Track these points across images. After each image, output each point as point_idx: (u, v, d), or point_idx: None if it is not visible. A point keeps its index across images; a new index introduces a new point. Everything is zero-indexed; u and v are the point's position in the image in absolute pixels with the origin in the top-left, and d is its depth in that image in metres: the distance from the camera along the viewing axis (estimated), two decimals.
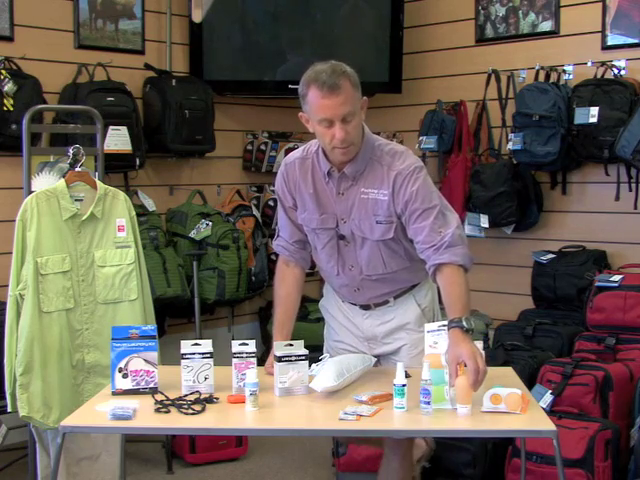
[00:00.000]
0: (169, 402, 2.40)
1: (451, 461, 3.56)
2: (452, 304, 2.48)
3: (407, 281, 2.72)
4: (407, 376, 2.36)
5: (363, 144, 2.55)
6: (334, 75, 2.40)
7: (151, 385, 2.52)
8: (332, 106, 2.40)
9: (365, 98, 2.53)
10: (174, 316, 4.64)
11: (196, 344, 2.52)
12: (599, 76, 4.23)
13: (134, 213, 3.21)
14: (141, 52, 4.69)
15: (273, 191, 5.17)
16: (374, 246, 2.60)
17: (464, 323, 2.37)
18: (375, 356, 2.74)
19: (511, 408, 2.26)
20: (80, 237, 3.08)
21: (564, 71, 4.38)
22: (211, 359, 2.50)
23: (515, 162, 4.45)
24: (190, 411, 2.33)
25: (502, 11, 4.70)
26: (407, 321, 2.73)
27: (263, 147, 5.17)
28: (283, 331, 2.70)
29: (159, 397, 2.44)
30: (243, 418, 2.32)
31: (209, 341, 2.54)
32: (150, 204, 4.50)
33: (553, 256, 4.37)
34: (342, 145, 2.46)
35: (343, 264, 2.66)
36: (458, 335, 2.35)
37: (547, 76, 4.41)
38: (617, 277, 3.87)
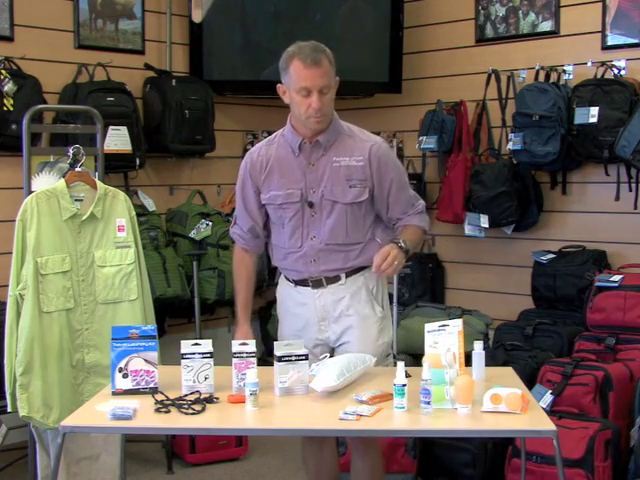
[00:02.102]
0: (169, 402, 2.40)
1: (451, 461, 3.56)
2: (403, 234, 2.77)
3: (360, 260, 2.80)
4: (407, 376, 2.36)
5: (333, 119, 2.78)
6: (316, 51, 2.67)
7: (151, 385, 2.52)
8: (313, 77, 2.64)
9: (337, 78, 2.75)
10: (174, 316, 4.64)
11: (196, 344, 2.52)
12: (599, 76, 4.23)
13: (134, 213, 3.21)
14: (141, 52, 4.70)
15: None
16: (342, 212, 2.75)
17: (401, 242, 2.68)
18: (327, 345, 2.83)
19: (511, 408, 2.26)
20: (80, 237, 3.08)
21: (564, 71, 4.38)
22: (211, 359, 2.50)
23: (515, 162, 4.45)
24: (190, 411, 2.33)
25: (502, 11, 4.70)
26: (359, 303, 2.80)
27: None
28: (248, 311, 2.93)
29: (159, 397, 2.44)
30: (243, 418, 2.32)
31: (209, 341, 2.54)
32: (150, 204, 4.50)
33: (553, 256, 4.37)
34: (317, 114, 2.67)
35: (307, 235, 2.78)
36: (393, 245, 2.66)
37: (547, 76, 4.41)
38: (617, 277, 3.87)
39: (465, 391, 2.27)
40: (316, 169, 2.75)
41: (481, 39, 4.81)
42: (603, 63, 4.23)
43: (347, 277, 2.79)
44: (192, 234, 4.57)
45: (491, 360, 3.28)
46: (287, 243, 2.81)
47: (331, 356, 2.74)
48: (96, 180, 3.15)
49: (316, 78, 2.63)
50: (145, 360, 2.52)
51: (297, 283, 2.85)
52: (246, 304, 2.92)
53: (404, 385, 2.29)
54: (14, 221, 3.00)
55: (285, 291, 2.92)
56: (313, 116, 2.67)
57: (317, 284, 2.80)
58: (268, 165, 2.81)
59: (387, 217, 2.82)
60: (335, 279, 2.79)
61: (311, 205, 2.75)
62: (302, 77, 2.65)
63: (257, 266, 2.98)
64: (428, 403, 2.25)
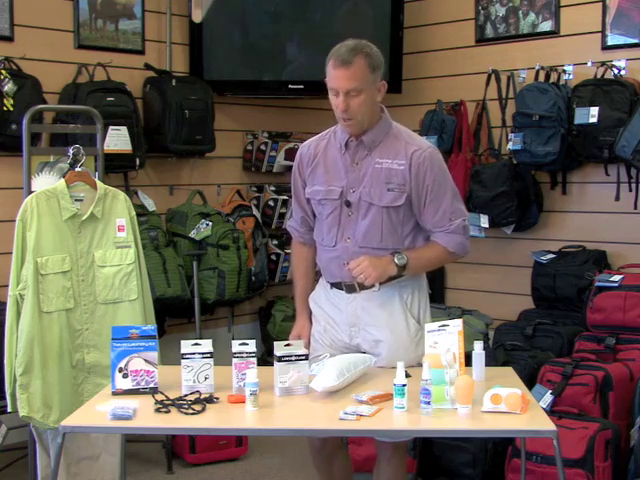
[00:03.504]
0: (169, 402, 2.40)
1: (451, 461, 3.56)
2: (417, 249, 2.75)
3: None
4: (407, 376, 2.36)
5: (382, 120, 2.72)
6: (352, 51, 2.58)
7: (151, 385, 2.52)
8: (339, 78, 2.58)
9: (383, 82, 2.68)
10: (174, 316, 4.64)
11: (196, 344, 2.52)
12: (599, 76, 4.23)
13: (134, 213, 3.20)
14: (141, 52, 4.69)
15: (273, 191, 5.18)
16: (378, 215, 2.70)
17: (397, 255, 2.66)
18: (357, 349, 2.79)
19: (511, 408, 2.26)
20: (80, 237, 3.08)
21: (564, 71, 4.38)
22: (211, 359, 2.50)
23: (515, 162, 4.45)
24: (190, 411, 2.33)
25: (502, 11, 4.70)
26: (390, 315, 2.76)
27: (263, 147, 5.17)
28: (306, 304, 2.92)
29: (159, 397, 2.44)
30: (243, 418, 2.33)
31: (209, 341, 2.54)
32: (150, 204, 4.50)
33: (553, 256, 4.37)
34: (343, 116, 2.63)
35: (342, 235, 2.75)
36: (385, 256, 2.65)
37: (547, 76, 4.41)
38: (617, 277, 3.87)
39: (465, 391, 2.27)
40: (359, 169, 2.72)
41: (481, 39, 4.81)
42: (603, 63, 4.23)
43: (381, 284, 2.73)
44: (192, 234, 4.57)
45: (491, 360, 3.28)
46: (324, 240, 2.81)
47: None
48: (96, 180, 3.15)
49: (342, 80, 2.58)
50: (145, 360, 2.52)
51: (332, 285, 2.83)
52: (304, 297, 2.93)
53: (404, 385, 2.29)
54: (14, 221, 3.00)
55: (323, 292, 2.88)
56: (341, 116, 2.64)
57: (350, 289, 2.77)
58: (315, 159, 2.80)
59: (422, 226, 2.76)
60: (369, 285, 2.74)
61: (348, 205, 2.72)
62: (331, 77, 2.62)
63: (314, 260, 2.95)
64: (428, 403, 2.26)
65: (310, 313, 2.91)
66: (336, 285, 2.81)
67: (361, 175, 2.71)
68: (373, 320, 2.76)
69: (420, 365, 2.61)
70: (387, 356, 2.73)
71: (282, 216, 5.14)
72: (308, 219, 2.91)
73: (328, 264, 2.82)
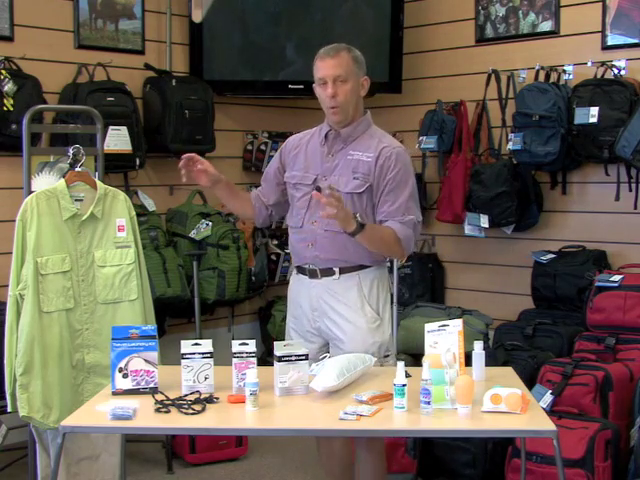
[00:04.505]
0: (169, 402, 2.40)
1: (451, 461, 3.57)
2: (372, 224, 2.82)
3: (355, 256, 2.85)
4: (407, 376, 2.36)
5: (363, 119, 2.90)
6: (337, 47, 2.84)
7: (151, 385, 2.52)
8: (326, 67, 2.81)
9: (366, 77, 2.88)
10: (174, 316, 4.64)
11: (196, 344, 2.52)
12: (599, 76, 4.23)
13: (134, 213, 3.20)
14: (141, 52, 4.69)
15: None
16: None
17: (359, 215, 2.71)
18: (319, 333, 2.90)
19: (511, 408, 2.26)
20: (80, 237, 3.08)
21: (564, 71, 4.38)
22: (211, 359, 2.50)
23: (515, 162, 4.45)
24: (190, 411, 2.34)
25: (502, 11, 4.70)
26: (347, 302, 2.84)
27: (263, 147, 5.18)
28: (227, 189, 3.07)
29: (159, 397, 2.44)
30: (243, 418, 2.33)
31: (209, 341, 2.54)
32: (150, 204, 4.50)
33: (553, 256, 4.37)
34: (331, 103, 2.81)
35: (309, 217, 2.90)
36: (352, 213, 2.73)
37: (547, 76, 4.41)
38: (617, 277, 3.87)
39: (465, 391, 2.28)
40: (333, 160, 2.89)
41: (481, 39, 4.81)
42: (603, 63, 4.23)
43: (341, 273, 2.85)
44: (192, 234, 4.57)
45: (491, 360, 3.28)
46: (291, 221, 2.98)
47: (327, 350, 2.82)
48: (96, 180, 3.15)
49: (329, 68, 2.79)
50: (145, 360, 2.52)
51: (298, 270, 2.96)
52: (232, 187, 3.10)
53: (404, 385, 2.29)
54: (14, 221, 3.00)
55: (293, 280, 3.03)
56: (329, 105, 2.81)
57: (313, 274, 2.89)
58: (298, 147, 2.99)
59: (378, 219, 2.85)
60: (329, 272, 2.86)
61: (319, 190, 2.83)
62: (318, 69, 2.83)
63: (247, 207, 3.11)
64: (428, 403, 2.26)
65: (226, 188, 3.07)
66: (301, 270, 2.93)
67: (334, 165, 2.88)
68: (331, 306, 2.86)
69: (379, 354, 2.80)
70: (345, 341, 2.81)
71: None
72: (263, 198, 3.07)
73: (295, 246, 2.96)
